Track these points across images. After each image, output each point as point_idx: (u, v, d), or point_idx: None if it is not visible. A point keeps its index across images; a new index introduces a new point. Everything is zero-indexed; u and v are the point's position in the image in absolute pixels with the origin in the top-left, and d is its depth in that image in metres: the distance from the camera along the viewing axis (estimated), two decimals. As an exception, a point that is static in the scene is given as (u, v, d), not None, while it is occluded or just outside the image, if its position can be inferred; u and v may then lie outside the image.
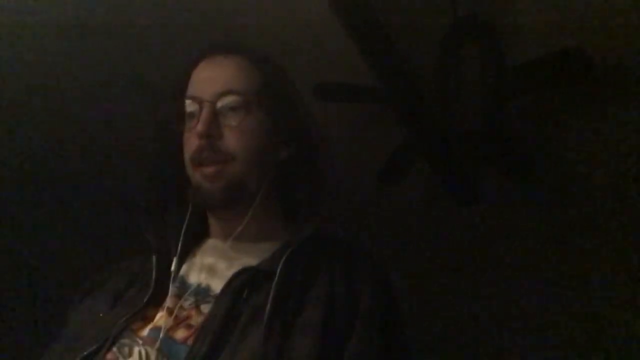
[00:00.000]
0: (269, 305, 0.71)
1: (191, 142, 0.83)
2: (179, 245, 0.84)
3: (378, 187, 2.41)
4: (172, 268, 0.81)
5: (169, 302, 0.77)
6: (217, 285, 0.78)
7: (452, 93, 2.00)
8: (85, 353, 0.73)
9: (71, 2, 1.86)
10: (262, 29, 1.81)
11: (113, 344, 0.73)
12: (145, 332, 0.75)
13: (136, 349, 0.72)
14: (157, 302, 0.78)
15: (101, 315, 0.80)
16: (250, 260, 0.81)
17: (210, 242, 0.87)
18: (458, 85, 1.99)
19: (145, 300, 0.78)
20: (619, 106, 2.08)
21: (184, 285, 0.81)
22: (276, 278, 0.74)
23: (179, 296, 0.78)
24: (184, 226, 0.85)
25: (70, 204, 2.55)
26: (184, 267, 0.84)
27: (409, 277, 2.22)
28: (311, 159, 0.88)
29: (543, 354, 2.60)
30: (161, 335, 0.72)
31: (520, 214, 2.52)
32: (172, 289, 0.79)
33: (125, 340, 0.74)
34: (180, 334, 0.74)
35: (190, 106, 0.85)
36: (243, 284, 0.76)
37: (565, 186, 2.41)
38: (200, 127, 0.81)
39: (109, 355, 0.72)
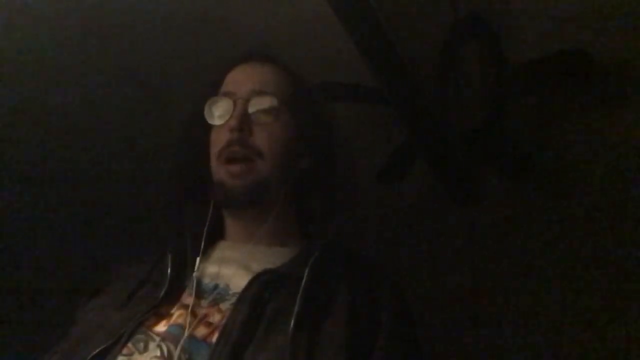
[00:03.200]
0: (297, 307, 0.72)
1: (220, 138, 0.86)
2: (202, 244, 0.84)
3: (378, 187, 2.41)
4: (196, 268, 0.82)
5: (187, 299, 0.78)
6: (235, 285, 0.79)
7: (452, 93, 2.00)
8: (99, 349, 0.73)
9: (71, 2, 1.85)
10: (262, 29, 1.81)
11: (128, 340, 0.73)
12: (161, 328, 0.75)
13: (152, 345, 0.72)
14: (170, 300, 0.79)
15: (113, 313, 0.79)
16: (267, 264, 0.81)
17: (226, 244, 0.88)
18: (458, 85, 1.99)
19: (160, 296, 0.78)
20: (619, 106, 2.08)
21: (200, 285, 0.81)
22: (304, 281, 0.75)
23: (196, 295, 0.79)
24: (207, 224, 0.86)
25: (70, 205, 2.55)
26: (199, 271, 0.84)
27: (409, 277, 2.22)
28: (330, 172, 0.90)
29: (543, 353, 2.60)
30: (186, 333, 0.73)
31: (520, 214, 2.52)
32: (189, 288, 0.80)
33: (140, 336, 0.74)
34: (201, 331, 0.74)
35: (222, 104, 0.88)
36: (265, 286, 0.76)
37: (565, 186, 2.41)
38: (233, 121, 0.84)
39: (124, 350, 0.72)
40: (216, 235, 0.90)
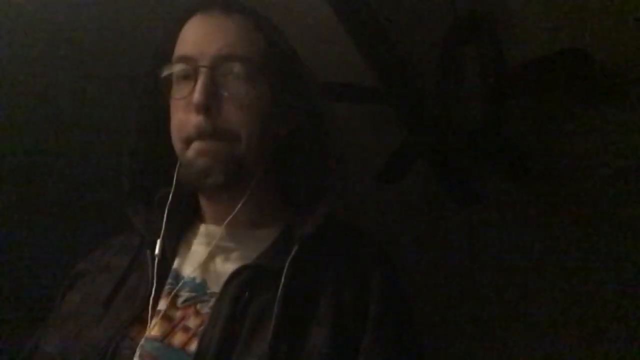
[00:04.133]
0: (275, 311, 0.65)
1: (183, 116, 0.72)
2: (163, 225, 0.73)
3: (378, 187, 2.41)
4: (156, 252, 0.72)
5: (161, 303, 0.70)
6: (212, 282, 0.72)
7: (452, 93, 2.00)
8: None
9: (71, 1, 1.85)
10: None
11: (113, 355, 0.67)
12: (140, 339, 0.68)
13: None
14: (154, 299, 0.71)
15: (97, 313, 0.72)
16: (247, 251, 0.74)
17: (203, 229, 0.77)
18: (458, 85, 1.99)
19: (142, 302, 0.71)
20: (619, 106, 2.08)
21: (177, 280, 0.73)
22: (282, 281, 0.67)
23: (174, 295, 0.71)
24: (167, 205, 0.74)
25: (69, 204, 2.55)
26: (178, 259, 0.75)
27: (409, 277, 2.21)
28: (315, 135, 0.78)
29: (543, 353, 2.60)
30: (156, 346, 0.67)
31: (520, 214, 2.52)
32: (166, 288, 0.72)
33: (123, 351, 0.67)
34: (178, 339, 0.68)
35: (180, 69, 0.72)
36: (243, 284, 0.69)
37: (565, 186, 2.41)
38: (197, 97, 0.69)
39: None
40: (195, 217, 0.79)
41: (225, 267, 0.73)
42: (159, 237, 0.74)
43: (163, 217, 0.75)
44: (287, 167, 0.80)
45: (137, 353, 0.66)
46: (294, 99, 0.77)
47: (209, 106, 0.69)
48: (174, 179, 0.75)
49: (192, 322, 0.69)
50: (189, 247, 0.77)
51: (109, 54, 2.02)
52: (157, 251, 0.73)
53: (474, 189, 2.33)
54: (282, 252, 0.71)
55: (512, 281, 2.62)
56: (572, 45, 1.82)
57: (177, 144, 0.74)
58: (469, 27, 1.91)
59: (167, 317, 0.69)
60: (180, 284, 0.72)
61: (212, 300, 0.69)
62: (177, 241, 0.77)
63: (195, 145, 0.71)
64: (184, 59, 0.72)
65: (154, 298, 0.70)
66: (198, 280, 0.73)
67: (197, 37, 0.73)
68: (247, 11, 0.77)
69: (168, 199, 0.76)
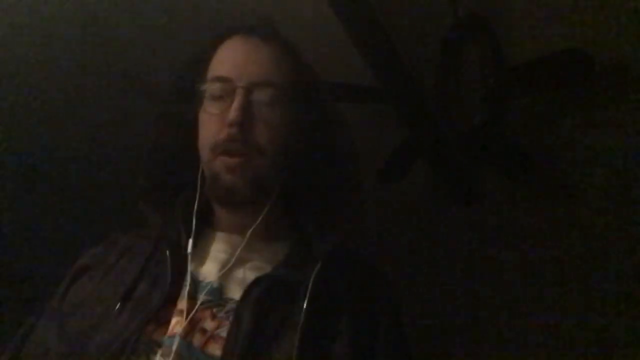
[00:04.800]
0: (302, 320, 0.70)
1: (216, 128, 0.77)
2: (193, 229, 0.78)
3: (378, 186, 2.41)
4: (189, 249, 0.77)
5: (181, 304, 0.73)
6: (230, 289, 0.76)
7: (452, 93, 2.00)
8: None
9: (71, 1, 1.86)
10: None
11: (131, 353, 0.69)
12: (161, 337, 0.71)
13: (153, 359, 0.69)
14: (170, 300, 0.74)
15: (112, 312, 0.74)
16: (262, 262, 0.78)
17: (220, 236, 0.81)
18: (458, 85, 1.99)
19: (159, 301, 0.74)
20: (619, 106, 2.08)
21: (195, 283, 0.76)
22: (308, 292, 0.72)
23: (192, 296, 0.74)
24: (195, 208, 0.79)
25: (70, 205, 2.55)
26: (194, 263, 0.78)
27: (408, 277, 2.22)
28: (329, 161, 0.84)
29: (543, 353, 2.60)
30: (177, 344, 0.69)
31: (520, 214, 2.52)
32: (185, 289, 0.75)
33: (141, 348, 0.70)
34: (197, 339, 0.71)
35: (219, 91, 0.78)
36: (264, 293, 0.73)
37: (565, 186, 2.41)
38: (233, 115, 0.75)
39: None
40: (204, 223, 0.83)
41: (243, 274, 0.77)
42: (180, 237, 0.79)
43: (189, 219, 0.79)
44: (299, 187, 0.85)
45: (161, 349, 0.69)
46: (315, 124, 0.83)
47: (243, 122, 0.75)
48: (198, 187, 0.81)
49: (209, 325, 0.72)
50: (205, 252, 0.80)
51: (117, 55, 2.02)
52: (189, 249, 0.77)
53: (474, 188, 2.33)
54: (298, 265, 0.76)
55: (512, 281, 2.62)
56: (572, 45, 1.82)
57: (205, 153, 0.79)
58: (469, 27, 1.91)
59: (187, 318, 0.72)
60: (198, 286, 0.76)
61: (228, 306, 0.74)
62: (192, 246, 0.80)
63: (223, 160, 0.76)
64: (222, 79, 0.78)
65: (174, 297, 0.74)
66: (215, 285, 0.76)
67: (236, 59, 0.80)
68: (281, 39, 0.84)
69: (191, 204, 0.80)
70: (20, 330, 0.81)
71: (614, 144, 2.18)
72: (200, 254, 0.80)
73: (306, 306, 0.71)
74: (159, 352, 0.69)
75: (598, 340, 2.48)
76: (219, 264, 0.78)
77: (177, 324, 0.71)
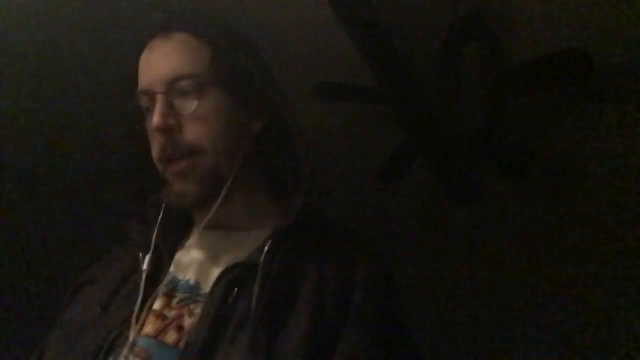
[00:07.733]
0: (254, 307, 0.68)
1: (154, 141, 0.76)
2: (152, 241, 0.78)
3: (378, 186, 2.41)
4: (144, 267, 0.76)
5: (157, 304, 0.74)
6: (206, 284, 0.75)
7: (452, 93, 2.00)
8: None
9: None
10: (262, 29, 1.80)
11: (108, 354, 0.70)
12: (136, 338, 0.71)
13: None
14: (152, 300, 0.74)
15: (95, 317, 0.76)
16: (241, 253, 0.76)
17: (200, 233, 0.80)
18: (458, 85, 1.99)
19: (137, 304, 0.73)
20: (619, 106, 2.08)
21: (174, 283, 0.76)
22: (259, 276, 0.69)
23: (169, 295, 0.74)
24: (157, 223, 0.79)
25: (69, 204, 2.55)
26: (174, 263, 0.78)
27: (409, 277, 2.22)
28: (286, 125, 0.80)
29: (543, 353, 2.60)
30: (150, 343, 0.70)
31: (519, 214, 2.52)
32: (162, 289, 0.75)
33: (117, 350, 0.70)
34: (171, 337, 0.70)
35: (144, 101, 0.77)
36: (232, 283, 0.71)
37: (565, 186, 2.41)
38: (155, 121, 0.73)
39: None
40: (192, 222, 0.83)
41: (217, 269, 0.75)
42: (158, 246, 0.78)
43: (158, 228, 0.79)
44: (269, 164, 0.83)
45: (129, 348, 0.69)
46: (257, 99, 0.79)
47: (169, 128, 0.74)
48: (165, 197, 0.79)
49: (186, 322, 0.72)
50: (186, 251, 0.80)
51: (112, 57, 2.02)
52: (144, 266, 0.77)
53: (474, 188, 2.33)
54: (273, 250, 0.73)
55: (512, 281, 2.62)
56: (572, 45, 1.82)
57: (158, 167, 0.78)
58: (469, 27, 1.91)
59: (161, 316, 0.72)
60: (176, 285, 0.76)
61: (205, 300, 0.73)
62: (174, 245, 0.80)
63: (170, 169, 0.75)
64: (144, 92, 0.77)
65: (151, 299, 0.74)
66: (192, 282, 0.76)
67: (146, 69, 0.78)
68: (187, 27, 0.79)
69: (160, 210, 0.80)
70: (34, 354, 0.82)
71: (614, 144, 2.19)
72: (182, 251, 0.80)
73: (257, 288, 0.69)
74: (133, 352, 0.70)
75: (598, 340, 2.48)
76: (197, 260, 0.78)
77: (149, 324, 0.72)
